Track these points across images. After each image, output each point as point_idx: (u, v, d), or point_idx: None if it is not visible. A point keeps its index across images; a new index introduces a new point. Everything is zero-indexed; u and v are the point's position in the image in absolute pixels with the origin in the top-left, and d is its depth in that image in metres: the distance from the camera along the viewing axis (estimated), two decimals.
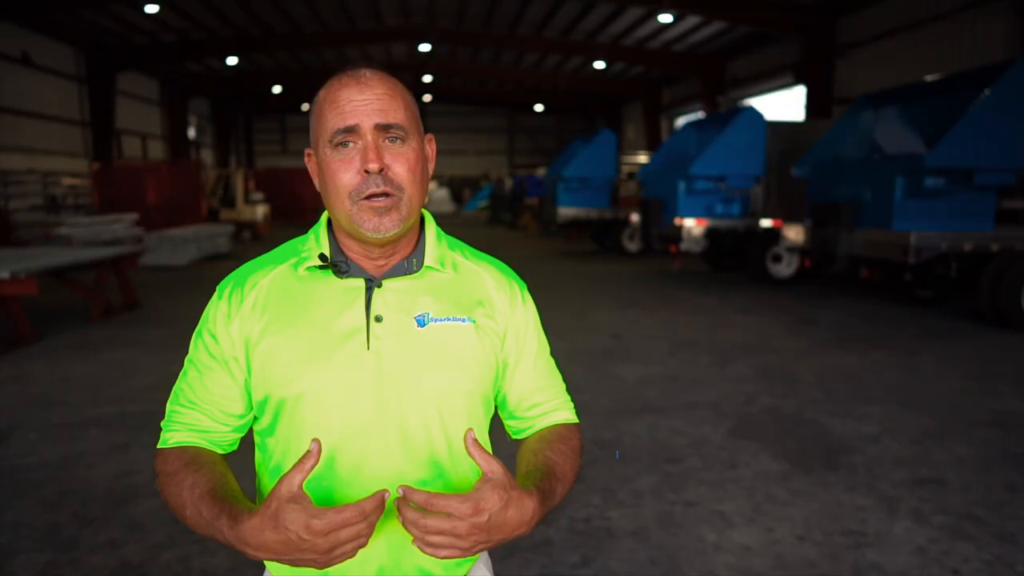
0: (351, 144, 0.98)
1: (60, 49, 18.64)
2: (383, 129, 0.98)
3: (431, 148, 1.07)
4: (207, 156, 29.89)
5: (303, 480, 0.86)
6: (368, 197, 0.97)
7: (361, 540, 0.86)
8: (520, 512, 0.91)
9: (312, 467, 0.87)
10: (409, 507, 0.88)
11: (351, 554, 0.87)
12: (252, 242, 18.33)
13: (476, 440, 0.92)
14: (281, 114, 36.52)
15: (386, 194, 0.97)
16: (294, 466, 0.87)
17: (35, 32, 17.37)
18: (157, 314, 8.32)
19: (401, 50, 24.45)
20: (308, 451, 0.88)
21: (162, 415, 1.09)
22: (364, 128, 0.97)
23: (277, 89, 28.09)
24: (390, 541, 1.02)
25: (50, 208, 16.63)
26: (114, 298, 8.53)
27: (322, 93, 1.02)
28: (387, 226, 0.98)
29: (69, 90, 19.28)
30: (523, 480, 0.99)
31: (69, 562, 2.78)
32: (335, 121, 0.98)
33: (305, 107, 34.07)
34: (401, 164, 0.99)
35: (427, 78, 28.97)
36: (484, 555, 1.17)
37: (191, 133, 26.78)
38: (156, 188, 17.30)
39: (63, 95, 18.96)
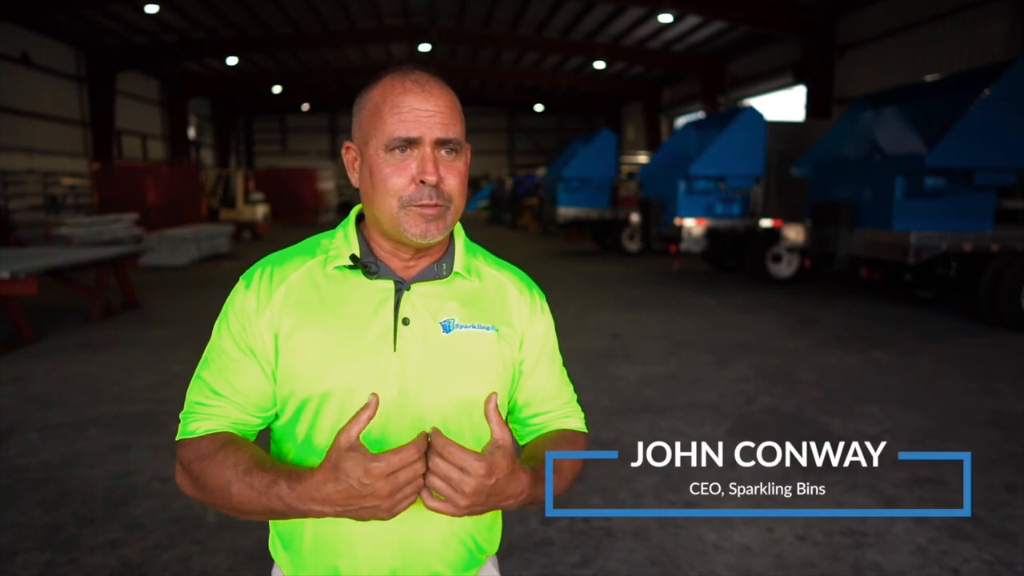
0: (407, 151, 0.99)
1: (60, 49, 18.63)
2: (442, 143, 1.00)
3: (468, 156, 1.09)
4: (207, 156, 29.85)
5: (360, 431, 0.89)
6: (419, 205, 0.99)
7: (419, 482, 0.90)
8: (516, 485, 0.95)
9: (368, 419, 0.90)
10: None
11: (412, 498, 0.90)
12: (252, 242, 18.33)
13: (497, 407, 0.94)
14: (281, 114, 36.46)
15: (436, 205, 0.99)
16: (351, 419, 0.89)
17: (35, 32, 17.35)
18: (157, 314, 8.32)
19: (401, 50, 24.43)
20: (366, 404, 0.90)
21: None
22: (426, 140, 0.98)
23: (277, 89, 28.06)
24: (404, 545, 1.03)
25: (50, 208, 16.62)
26: (114, 298, 8.53)
27: (379, 92, 1.01)
28: (433, 233, 1.00)
29: (69, 90, 19.27)
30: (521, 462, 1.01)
31: (69, 562, 2.78)
32: (396, 128, 0.98)
33: (305, 107, 34.04)
34: (454, 177, 1.01)
35: None
36: (493, 558, 1.18)
37: (191, 133, 26.76)
38: (156, 188, 17.31)
39: (63, 95, 18.94)
